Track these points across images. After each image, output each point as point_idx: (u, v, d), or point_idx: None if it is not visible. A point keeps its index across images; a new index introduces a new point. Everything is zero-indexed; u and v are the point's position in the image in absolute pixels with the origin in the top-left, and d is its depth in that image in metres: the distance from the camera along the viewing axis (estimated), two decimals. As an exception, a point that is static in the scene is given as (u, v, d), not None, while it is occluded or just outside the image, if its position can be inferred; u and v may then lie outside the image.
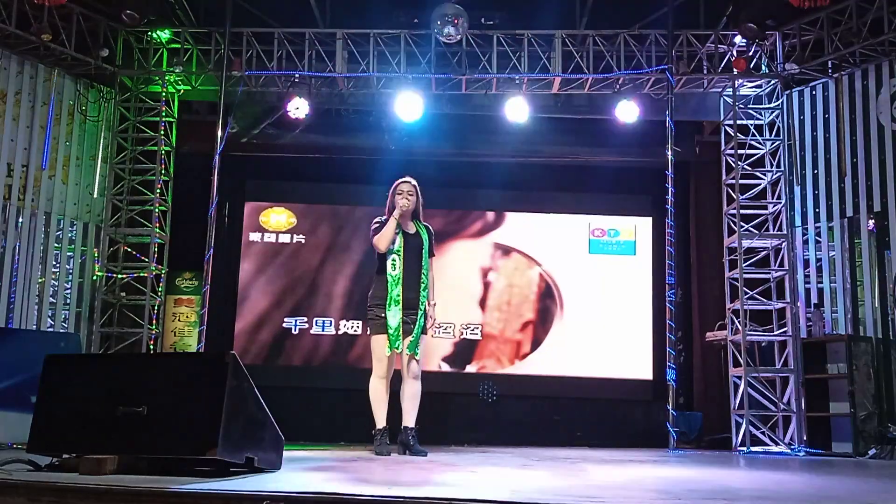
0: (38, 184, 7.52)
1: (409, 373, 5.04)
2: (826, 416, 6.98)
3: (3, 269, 7.15)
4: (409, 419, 5.02)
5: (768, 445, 7.28)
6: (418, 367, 5.06)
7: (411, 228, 5.16)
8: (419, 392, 5.06)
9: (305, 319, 8.97)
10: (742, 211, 7.74)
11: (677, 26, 7.87)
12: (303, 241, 9.17)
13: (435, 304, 5.18)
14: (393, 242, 5.03)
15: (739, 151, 7.83)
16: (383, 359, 4.98)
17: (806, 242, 7.70)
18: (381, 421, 4.98)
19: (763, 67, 7.93)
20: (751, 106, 8.07)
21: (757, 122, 8.05)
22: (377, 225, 5.10)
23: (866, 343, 6.88)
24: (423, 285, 5.05)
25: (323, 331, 8.95)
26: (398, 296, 4.97)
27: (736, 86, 7.92)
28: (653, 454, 6.34)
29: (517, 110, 8.05)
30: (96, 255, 7.97)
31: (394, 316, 4.95)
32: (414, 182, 5.17)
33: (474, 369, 8.90)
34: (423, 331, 5.06)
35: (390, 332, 4.94)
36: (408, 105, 7.99)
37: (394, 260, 5.02)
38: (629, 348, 8.92)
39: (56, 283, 7.72)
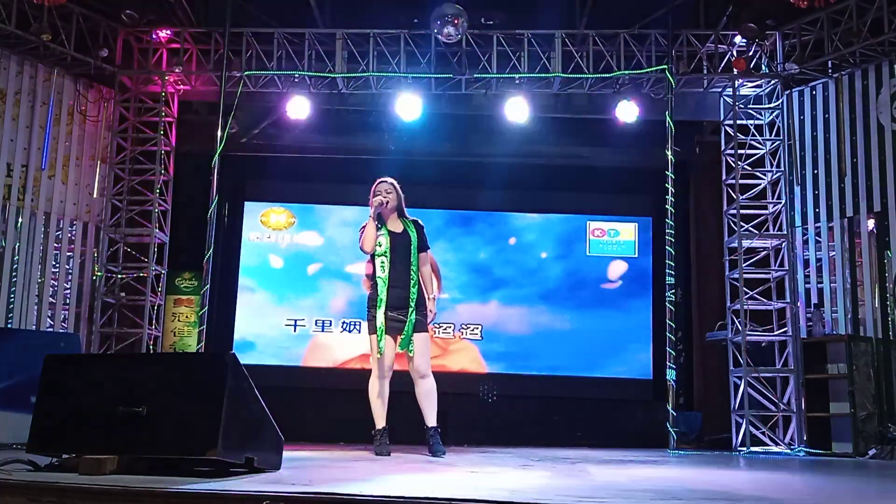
0: (38, 184, 7.51)
1: (414, 372, 5.05)
2: (826, 416, 6.97)
3: (3, 269, 7.15)
4: (428, 418, 5.03)
5: (768, 445, 7.28)
6: (423, 364, 5.04)
7: (398, 227, 5.17)
8: (432, 390, 5.05)
9: (305, 319, 8.97)
10: (742, 211, 7.74)
11: (677, 26, 7.86)
12: (302, 240, 9.17)
13: (435, 298, 5.18)
14: (380, 244, 5.04)
15: (739, 151, 7.83)
16: (381, 358, 4.98)
17: (806, 242, 7.70)
18: (380, 421, 4.99)
19: (763, 67, 7.93)
20: (751, 106, 8.07)
21: (757, 122, 8.05)
22: (363, 229, 5.14)
23: (866, 343, 6.87)
24: (412, 282, 5.05)
25: (323, 331, 8.96)
26: (384, 296, 4.99)
27: (736, 86, 7.92)
28: (653, 454, 6.34)
29: (517, 110, 8.05)
30: (96, 255, 7.97)
31: (380, 317, 4.97)
32: (391, 180, 5.22)
33: (474, 369, 8.89)
34: (421, 328, 5.05)
35: (377, 332, 4.97)
36: (408, 105, 7.99)
37: (382, 262, 5.05)
38: (629, 348, 8.93)
39: (56, 283, 7.72)
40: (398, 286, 5.03)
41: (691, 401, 8.87)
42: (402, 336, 4.99)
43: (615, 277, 9.11)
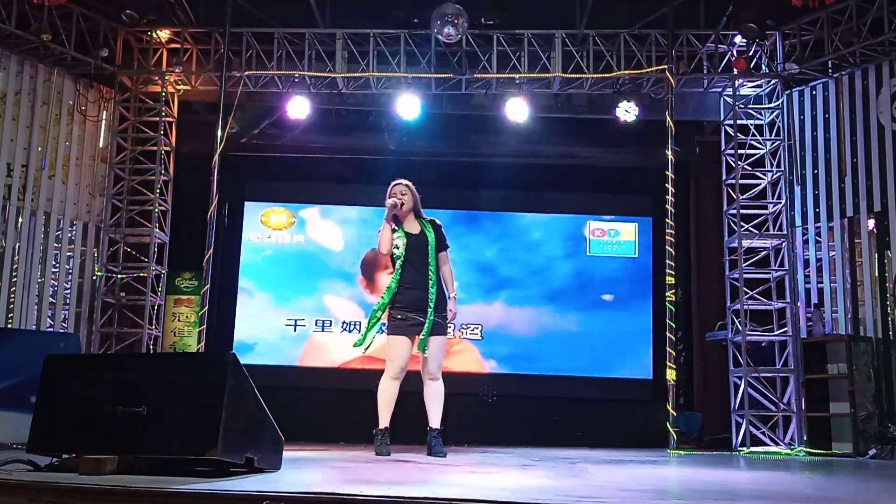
0: (37, 184, 7.51)
1: (425, 373, 5.06)
2: (826, 416, 6.98)
3: (3, 269, 7.15)
4: (432, 420, 5.04)
5: (768, 445, 7.29)
6: (436, 367, 5.04)
7: (415, 228, 5.16)
8: (441, 393, 5.06)
9: (305, 319, 8.97)
10: (742, 211, 7.74)
11: (677, 26, 7.86)
12: (302, 240, 9.18)
13: (454, 297, 5.18)
14: (397, 247, 5.04)
15: (739, 151, 7.83)
16: (395, 359, 4.98)
17: (806, 242, 7.70)
18: (383, 421, 4.99)
19: (763, 67, 7.93)
20: (751, 106, 8.07)
21: (757, 122, 8.05)
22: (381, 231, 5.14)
23: (866, 343, 6.87)
24: (430, 282, 5.03)
25: (323, 331, 8.96)
26: (397, 298, 5.00)
27: (736, 86, 7.92)
28: (653, 454, 6.34)
29: (517, 110, 8.05)
30: (96, 255, 7.97)
31: (385, 317, 4.99)
32: (406, 182, 5.19)
33: (474, 369, 8.89)
34: (440, 330, 5.05)
35: (389, 332, 4.99)
36: (408, 105, 7.99)
37: (399, 264, 5.05)
38: (629, 348, 8.93)
39: (56, 283, 7.72)
40: (415, 288, 5.02)
41: (691, 401, 8.87)
42: (421, 337, 4.99)
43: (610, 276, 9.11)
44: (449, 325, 5.20)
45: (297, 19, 8.05)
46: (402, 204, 5.10)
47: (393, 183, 5.19)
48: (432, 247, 5.10)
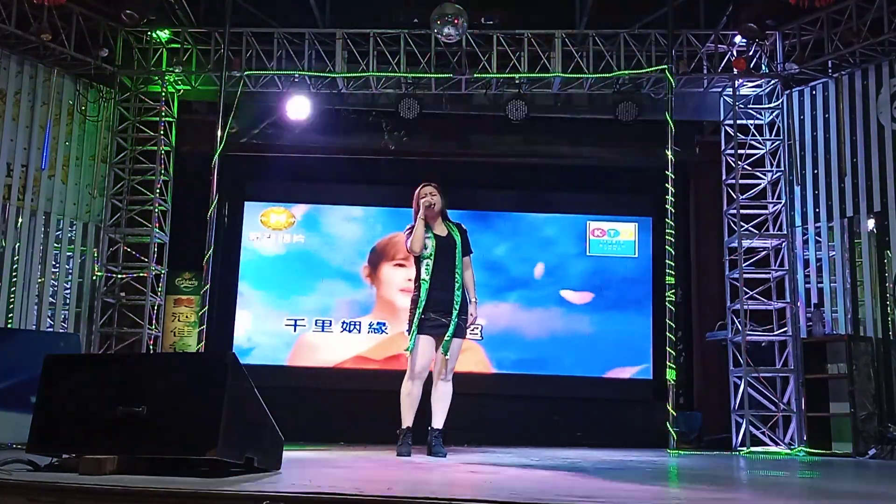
0: (37, 184, 7.51)
1: (438, 374, 5.10)
2: (826, 416, 6.98)
3: (3, 269, 7.15)
4: (436, 420, 5.08)
5: (768, 445, 7.29)
6: (449, 368, 5.08)
7: (443, 231, 5.22)
8: (448, 394, 5.10)
9: (305, 319, 8.97)
10: (742, 211, 7.74)
11: (677, 26, 7.86)
12: (302, 240, 9.17)
13: (475, 302, 5.22)
14: (425, 247, 5.07)
15: (739, 151, 7.83)
16: (417, 359, 5.00)
17: (806, 242, 7.70)
18: (404, 420, 5.01)
19: (763, 67, 7.93)
20: (751, 106, 8.07)
21: (757, 122, 8.05)
22: (408, 231, 5.17)
23: (866, 343, 6.88)
24: (456, 285, 5.08)
25: (322, 331, 8.96)
26: (425, 298, 5.02)
27: (736, 86, 7.92)
28: (653, 454, 6.34)
29: (517, 110, 8.05)
30: (96, 255, 7.97)
31: (417, 319, 5.00)
32: (435, 185, 5.28)
33: (474, 369, 8.89)
34: (460, 333, 5.07)
35: (412, 333, 5.02)
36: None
37: (427, 265, 5.09)
38: (629, 349, 8.92)
39: (56, 283, 7.71)
40: (442, 289, 5.06)
41: (691, 401, 8.87)
42: (445, 339, 5.01)
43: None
44: (468, 328, 5.23)
45: (297, 19, 8.06)
46: (434, 204, 5.13)
47: (422, 184, 5.27)
48: (459, 250, 5.16)
